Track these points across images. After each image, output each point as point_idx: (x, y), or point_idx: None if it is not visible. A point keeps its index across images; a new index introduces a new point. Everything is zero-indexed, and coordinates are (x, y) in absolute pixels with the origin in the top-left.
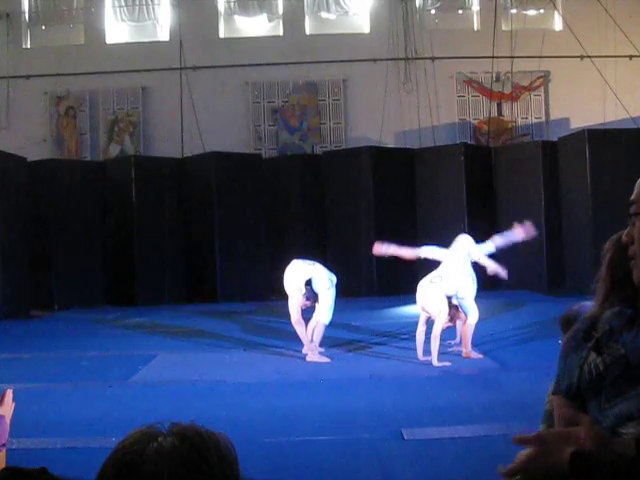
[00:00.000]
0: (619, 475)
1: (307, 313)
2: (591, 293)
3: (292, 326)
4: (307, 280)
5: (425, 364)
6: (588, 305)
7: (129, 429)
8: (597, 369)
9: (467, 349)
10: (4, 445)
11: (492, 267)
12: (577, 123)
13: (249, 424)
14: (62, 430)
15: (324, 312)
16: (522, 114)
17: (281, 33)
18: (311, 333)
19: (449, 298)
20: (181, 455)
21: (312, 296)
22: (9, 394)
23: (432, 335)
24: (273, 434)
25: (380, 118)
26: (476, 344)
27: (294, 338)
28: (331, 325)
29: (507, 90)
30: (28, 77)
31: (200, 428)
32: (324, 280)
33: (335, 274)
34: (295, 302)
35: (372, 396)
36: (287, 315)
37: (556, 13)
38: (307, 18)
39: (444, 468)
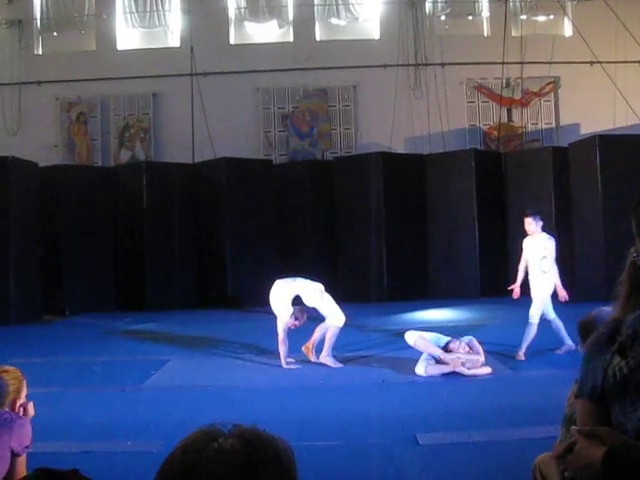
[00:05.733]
0: None
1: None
2: (602, 298)
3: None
4: (295, 297)
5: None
6: (607, 310)
7: (143, 433)
8: (621, 372)
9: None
10: (27, 447)
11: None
12: (587, 129)
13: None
14: (76, 434)
15: (333, 317)
16: (532, 120)
17: (291, 39)
18: (319, 338)
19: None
20: (240, 457)
21: (301, 317)
22: (31, 404)
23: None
24: (286, 439)
25: (390, 124)
26: (487, 350)
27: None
28: (343, 330)
29: (517, 96)
30: (40, 83)
31: (261, 432)
32: (312, 292)
33: (344, 279)
34: (282, 322)
35: (386, 401)
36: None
37: (566, 19)
38: (317, 24)
39: (459, 473)
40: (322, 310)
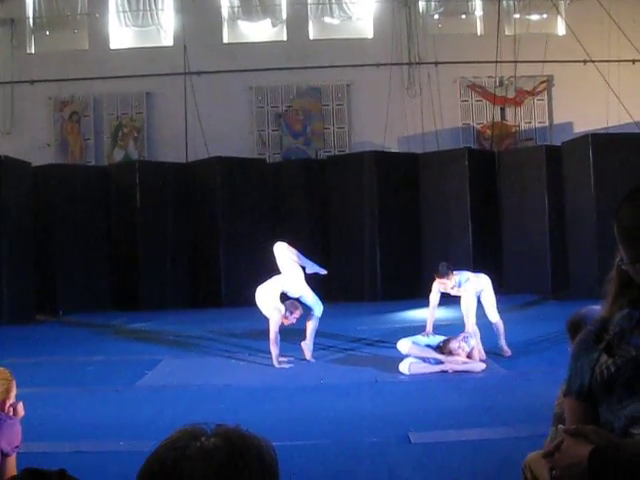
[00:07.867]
0: (636, 473)
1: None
2: (595, 296)
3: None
4: (282, 294)
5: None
6: (596, 309)
7: (136, 433)
8: (609, 371)
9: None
10: (17, 447)
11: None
12: (580, 127)
13: (254, 428)
14: (69, 434)
15: (314, 307)
16: (525, 119)
17: (285, 38)
18: (313, 331)
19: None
20: (222, 456)
21: (295, 309)
22: (21, 405)
23: None
24: (279, 438)
25: (384, 123)
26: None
27: (298, 343)
28: (336, 329)
29: (510, 95)
30: (32, 82)
31: (244, 431)
32: (294, 285)
33: (337, 278)
34: (275, 323)
35: (378, 400)
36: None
37: (559, 18)
38: (311, 23)
39: (451, 472)
40: (308, 299)
